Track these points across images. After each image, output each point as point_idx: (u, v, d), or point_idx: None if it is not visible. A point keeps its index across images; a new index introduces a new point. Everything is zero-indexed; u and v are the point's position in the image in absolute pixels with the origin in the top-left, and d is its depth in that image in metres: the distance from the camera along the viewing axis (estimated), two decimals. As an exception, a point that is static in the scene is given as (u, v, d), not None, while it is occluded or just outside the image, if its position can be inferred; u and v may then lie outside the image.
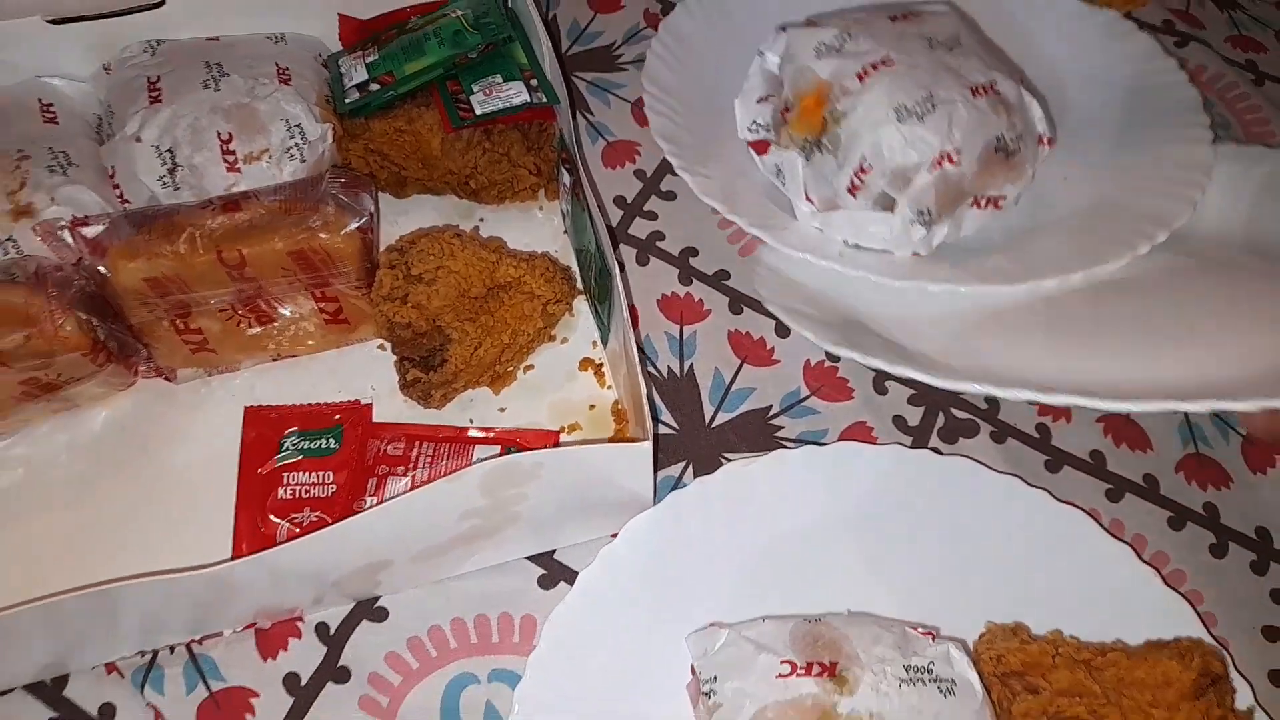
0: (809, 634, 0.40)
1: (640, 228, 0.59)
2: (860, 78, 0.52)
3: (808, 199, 0.55)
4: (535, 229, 0.59)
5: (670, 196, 0.61)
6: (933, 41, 0.55)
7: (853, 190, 0.53)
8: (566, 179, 0.55)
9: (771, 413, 0.53)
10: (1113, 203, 0.58)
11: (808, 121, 0.54)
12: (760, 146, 0.58)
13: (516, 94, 0.55)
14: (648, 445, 0.42)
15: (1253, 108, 0.68)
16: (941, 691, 0.38)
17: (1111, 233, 0.55)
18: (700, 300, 0.57)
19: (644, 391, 0.43)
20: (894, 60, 0.53)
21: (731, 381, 0.54)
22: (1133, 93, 0.63)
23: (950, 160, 0.51)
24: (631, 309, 0.56)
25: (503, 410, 0.53)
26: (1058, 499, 0.48)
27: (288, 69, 0.55)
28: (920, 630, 0.41)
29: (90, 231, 0.47)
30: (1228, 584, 0.49)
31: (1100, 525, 0.47)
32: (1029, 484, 0.48)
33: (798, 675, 0.38)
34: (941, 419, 0.53)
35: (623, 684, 0.43)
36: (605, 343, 0.54)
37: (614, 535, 0.47)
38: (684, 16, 0.63)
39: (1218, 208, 0.57)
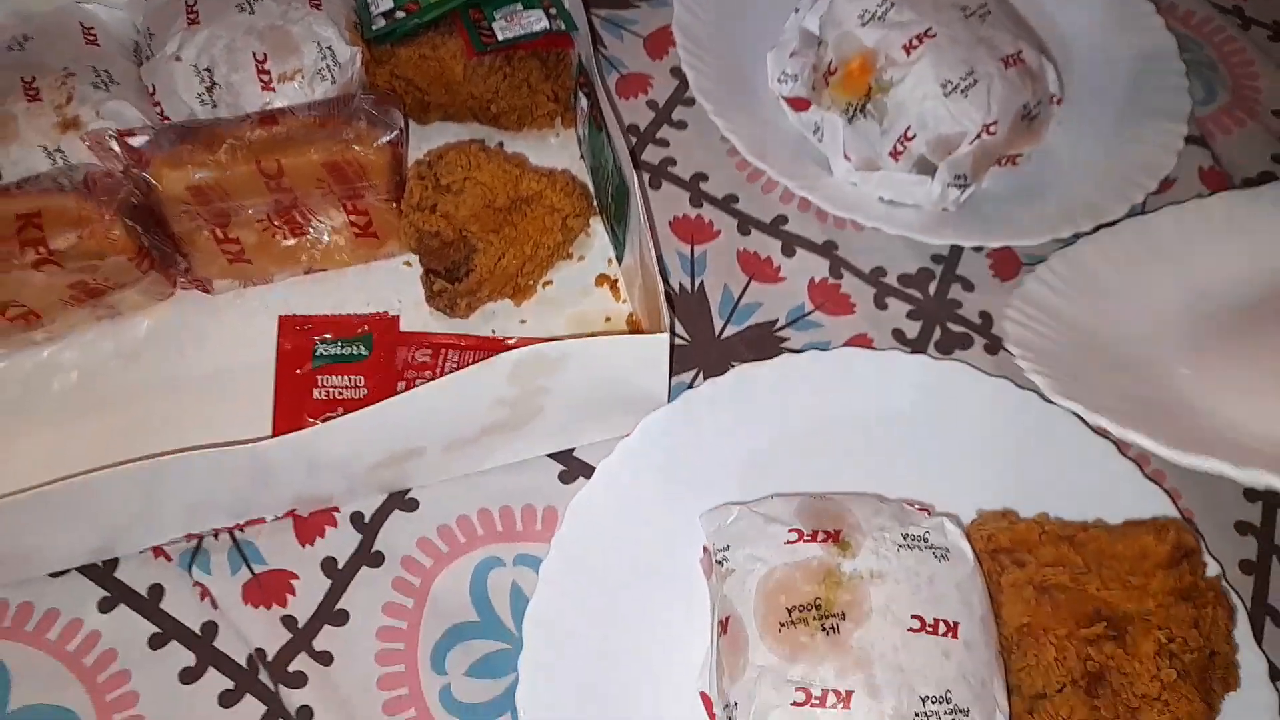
0: (814, 507, 0.43)
1: (652, 154, 0.62)
2: (906, 50, 0.56)
3: (846, 157, 0.59)
4: (551, 155, 0.61)
5: (681, 125, 0.64)
6: (966, 10, 0.58)
7: (895, 154, 0.57)
8: (584, 103, 0.57)
9: (777, 325, 0.56)
10: (1106, 155, 0.62)
11: (851, 86, 0.58)
12: (799, 104, 0.61)
13: (536, 21, 0.58)
14: (665, 336, 0.45)
15: (1239, 50, 0.71)
16: (936, 556, 0.41)
17: (1111, 186, 0.59)
18: (710, 222, 0.60)
19: (660, 288, 0.46)
20: (936, 33, 0.56)
21: (740, 297, 0.57)
22: (1123, 50, 0.66)
23: (989, 131, 0.56)
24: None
25: (523, 322, 0.56)
26: (1045, 399, 0.51)
27: (318, -5, 0.57)
28: (917, 507, 0.44)
29: (136, 141, 0.50)
30: (1204, 484, 0.52)
31: (1086, 424, 0.50)
32: (1019, 385, 0.51)
33: (804, 541, 0.41)
34: (938, 332, 0.56)
35: (639, 563, 0.47)
36: (620, 260, 0.57)
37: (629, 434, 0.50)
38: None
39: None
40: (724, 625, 0.41)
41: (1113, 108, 0.64)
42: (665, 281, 0.57)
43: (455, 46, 0.58)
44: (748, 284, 0.58)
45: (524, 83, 0.59)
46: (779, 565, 0.41)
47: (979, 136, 0.55)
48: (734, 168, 0.62)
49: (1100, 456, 0.50)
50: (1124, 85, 0.64)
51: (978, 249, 0.60)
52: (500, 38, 0.57)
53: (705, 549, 0.46)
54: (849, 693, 0.37)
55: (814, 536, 0.41)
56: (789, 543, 0.41)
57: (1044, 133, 0.60)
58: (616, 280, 0.57)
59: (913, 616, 0.39)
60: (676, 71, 0.66)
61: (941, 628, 0.39)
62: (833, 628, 0.39)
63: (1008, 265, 0.59)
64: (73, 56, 0.54)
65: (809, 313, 0.57)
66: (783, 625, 0.39)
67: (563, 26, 0.58)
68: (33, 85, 0.52)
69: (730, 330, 0.56)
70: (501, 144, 0.61)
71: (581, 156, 0.61)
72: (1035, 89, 0.58)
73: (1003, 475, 0.49)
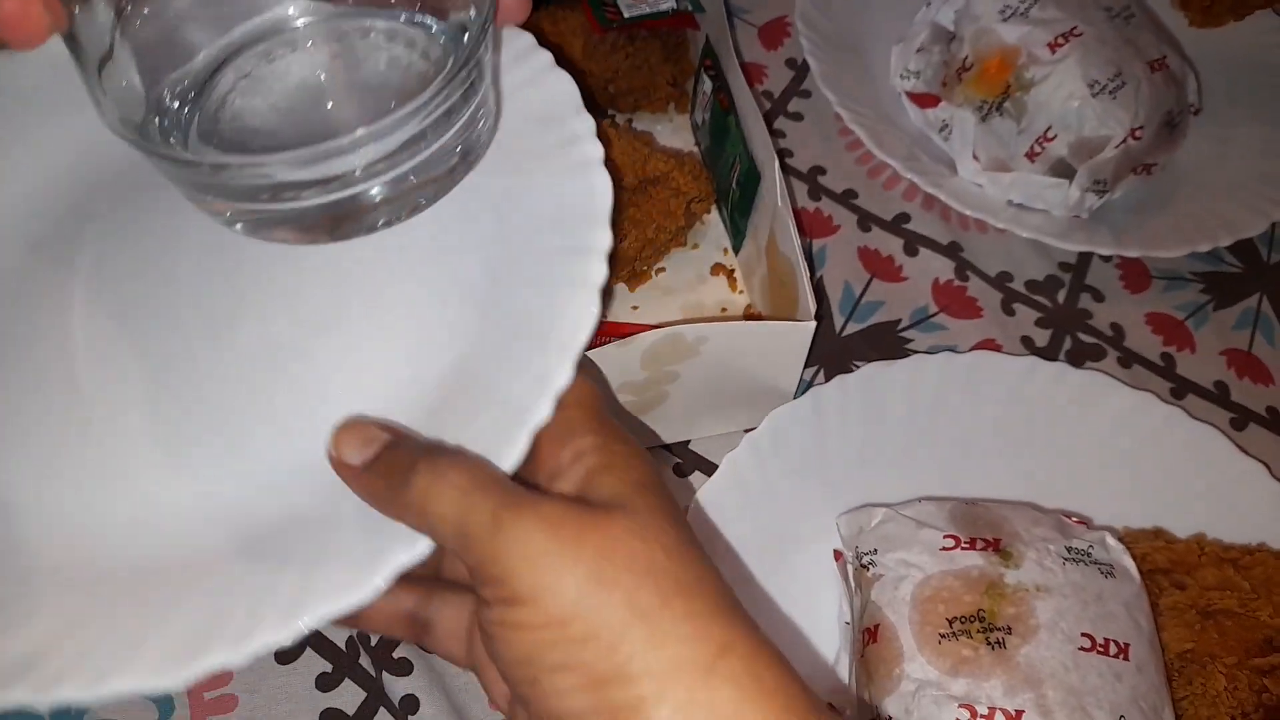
0: (968, 514, 0.41)
1: (769, 145, 0.60)
2: (1051, 47, 0.53)
3: (974, 157, 0.57)
4: (664, 139, 0.59)
5: (797, 117, 0.62)
6: (1111, 11, 0.56)
7: (1031, 155, 0.55)
8: (708, 86, 0.55)
9: (901, 326, 0.54)
10: (1241, 169, 0.59)
11: (988, 83, 0.55)
12: (925, 100, 0.59)
13: (662, 0, 0.56)
14: (811, 324, 0.43)
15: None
16: (1102, 573, 0.39)
17: (1247, 200, 0.57)
18: (830, 216, 0.58)
19: (805, 275, 0.44)
20: (1083, 31, 0.54)
21: (861, 295, 0.55)
22: (1256, 61, 0.64)
23: (1135, 136, 0.53)
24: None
25: (635, 308, 0.53)
26: (1192, 416, 0.48)
27: (440, -38, 0.55)
28: (1074, 519, 0.41)
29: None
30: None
31: (1235, 444, 0.48)
32: (1164, 400, 0.49)
33: (962, 549, 0.39)
34: (1069, 341, 0.54)
35: (764, 561, 0.44)
36: (738, 250, 0.55)
37: (747, 430, 0.47)
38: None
39: None
40: (872, 633, 0.38)
41: (1248, 122, 0.61)
42: (811, 269, 0.54)
43: (576, 22, 0.56)
44: (869, 281, 0.55)
45: (644, 63, 0.57)
46: (935, 573, 0.38)
47: (1125, 141, 0.53)
48: (853, 162, 0.60)
49: (1252, 477, 0.47)
50: (1260, 99, 0.62)
51: (1106, 258, 0.57)
52: (626, 15, 0.55)
53: (838, 552, 0.44)
54: (1019, 712, 0.35)
55: (972, 544, 0.39)
56: (945, 549, 0.39)
57: (1181, 142, 0.58)
58: (733, 270, 0.55)
59: (1083, 635, 0.36)
60: (792, 63, 0.64)
61: (1113, 648, 0.37)
62: (998, 642, 0.36)
63: (1138, 277, 0.57)
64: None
65: (934, 314, 0.54)
66: (943, 637, 0.37)
67: (690, 6, 0.56)
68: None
69: (851, 328, 0.54)
70: (630, 120, 0.59)
71: (697, 142, 0.59)
72: (1178, 96, 0.56)
73: (1148, 492, 0.47)
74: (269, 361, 0.31)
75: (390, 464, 0.26)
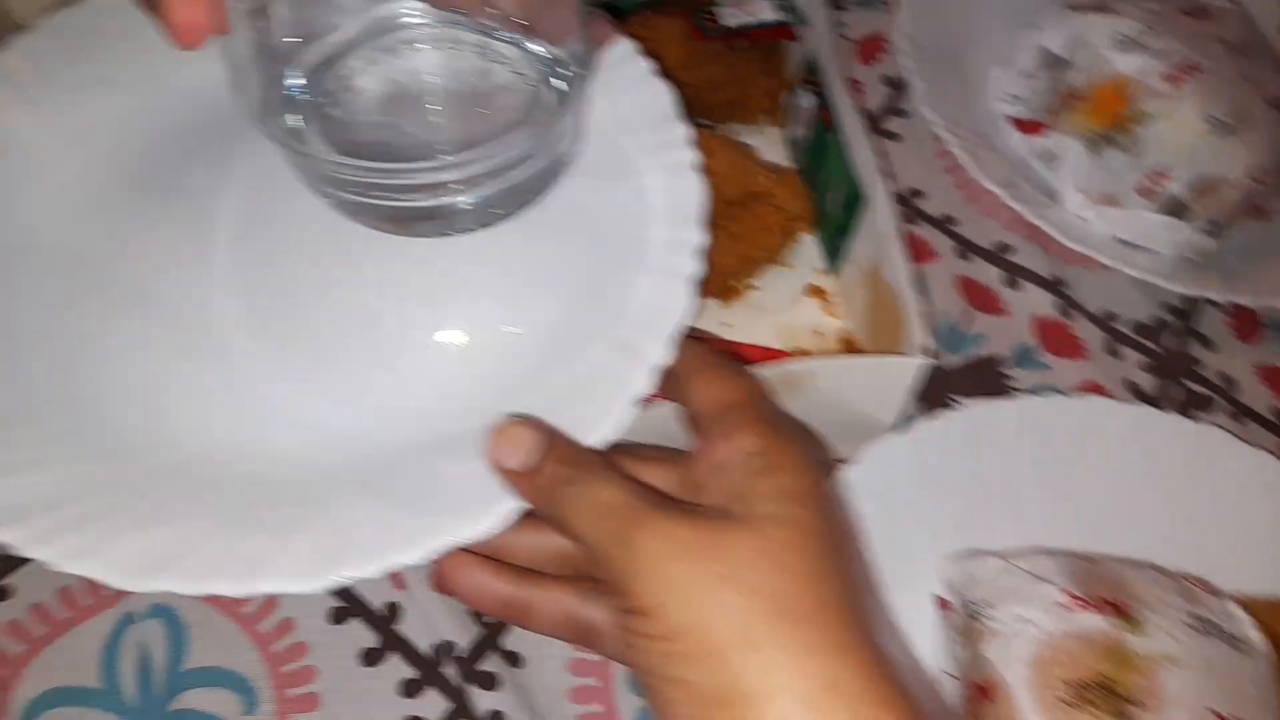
0: (1087, 570, 0.38)
1: (866, 164, 0.58)
2: (1169, 80, 0.51)
3: (1079, 189, 0.54)
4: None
5: (894, 137, 0.60)
6: (1229, 46, 0.54)
7: (1144, 192, 0.52)
8: (808, 101, 0.53)
9: (1002, 362, 0.52)
10: None
11: (1101, 114, 0.53)
12: (1030, 127, 0.57)
13: (765, 10, 0.54)
14: (925, 362, 0.40)
15: None
16: (1231, 646, 0.36)
17: None
18: (927, 241, 0.56)
19: (914, 308, 0.42)
20: (1201, 64, 0.51)
21: (961, 327, 0.53)
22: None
23: (1254, 178, 0.50)
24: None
25: (727, 325, 0.51)
26: (1314, 479, 0.46)
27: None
28: (1196, 583, 0.39)
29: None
30: None
31: (1360, 512, 0.45)
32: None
33: (1082, 608, 0.37)
34: (1176, 389, 0.52)
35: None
36: (834, 272, 0.53)
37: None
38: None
39: None
40: (984, 691, 0.36)
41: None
42: (928, 301, 0.52)
43: (673, 29, 0.54)
44: (969, 313, 0.53)
45: (744, 75, 0.55)
46: (1056, 633, 0.36)
47: (1244, 182, 0.50)
48: (952, 186, 0.58)
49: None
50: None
51: (1215, 304, 0.55)
52: (729, 24, 0.53)
53: (943, 600, 0.42)
54: (1147, 792, 0.33)
55: (1094, 605, 0.37)
56: (1063, 606, 0.37)
57: (1299, 185, 0.55)
58: (828, 292, 0.53)
59: (1212, 713, 0.34)
60: (888, 80, 0.62)
61: (1245, 729, 0.34)
62: (1126, 715, 0.34)
63: (1248, 325, 0.54)
64: None
65: (1036, 352, 0.52)
66: (1064, 703, 0.34)
67: (792, 19, 0.54)
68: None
69: (950, 361, 0.52)
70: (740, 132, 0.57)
71: (794, 159, 0.57)
72: (1302, 135, 0.54)
73: (1266, 559, 0.44)
74: (390, 315, 0.34)
75: (546, 478, 0.28)
